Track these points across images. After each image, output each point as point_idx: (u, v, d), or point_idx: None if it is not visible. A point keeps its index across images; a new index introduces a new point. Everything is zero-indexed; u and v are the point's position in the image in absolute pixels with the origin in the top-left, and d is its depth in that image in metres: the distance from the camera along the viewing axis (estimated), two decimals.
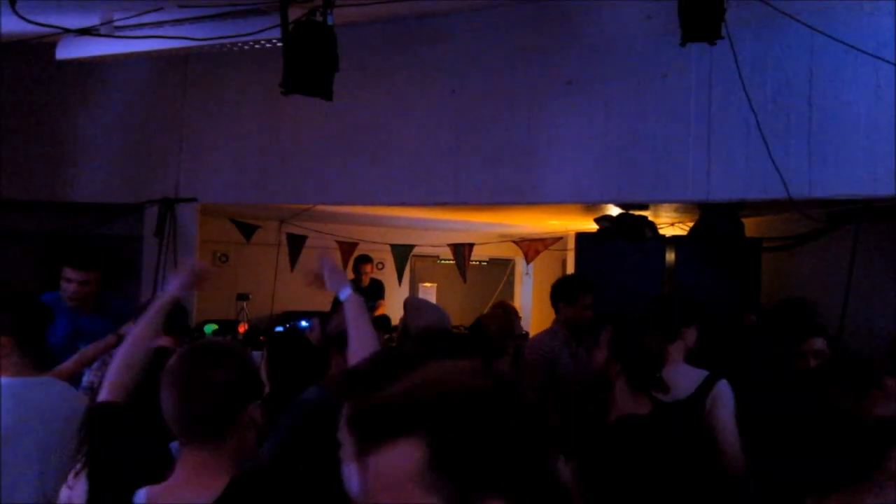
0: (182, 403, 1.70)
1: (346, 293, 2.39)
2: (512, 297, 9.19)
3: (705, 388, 2.96)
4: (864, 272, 4.80)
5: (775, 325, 4.69)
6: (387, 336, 6.24)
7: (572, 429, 2.74)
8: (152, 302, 2.43)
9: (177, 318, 2.91)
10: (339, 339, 2.66)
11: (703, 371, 3.04)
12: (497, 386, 1.06)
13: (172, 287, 2.42)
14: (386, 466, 1.01)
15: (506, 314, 5.05)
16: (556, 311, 4.25)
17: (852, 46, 4.06)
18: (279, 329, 6.41)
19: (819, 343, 3.42)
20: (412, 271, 8.85)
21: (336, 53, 3.32)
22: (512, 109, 5.03)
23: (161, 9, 3.45)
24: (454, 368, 1.11)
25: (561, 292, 4.21)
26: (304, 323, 6.54)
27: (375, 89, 5.34)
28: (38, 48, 4.81)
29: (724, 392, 2.95)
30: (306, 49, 3.18)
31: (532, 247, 6.60)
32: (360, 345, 2.23)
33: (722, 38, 4.03)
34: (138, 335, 2.22)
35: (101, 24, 3.63)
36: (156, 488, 1.67)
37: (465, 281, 7.23)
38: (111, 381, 2.07)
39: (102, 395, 2.05)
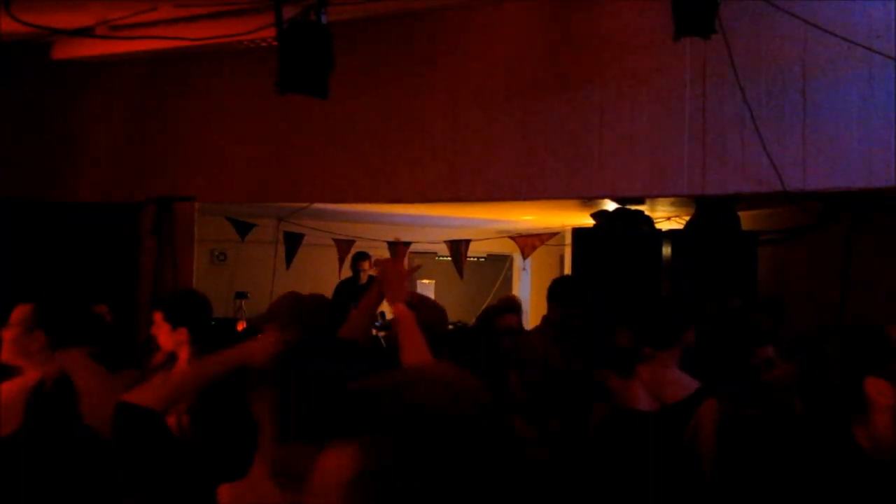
0: None
1: (398, 308, 2.38)
2: (510, 292, 9.21)
3: (694, 400, 2.89)
4: (861, 264, 4.82)
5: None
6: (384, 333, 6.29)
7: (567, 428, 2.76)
8: None
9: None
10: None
11: (694, 381, 2.94)
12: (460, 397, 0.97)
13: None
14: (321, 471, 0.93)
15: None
16: (549, 309, 4.24)
17: (845, 39, 4.07)
18: None
19: (768, 352, 3.26)
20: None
21: (331, 52, 3.33)
22: (507, 105, 5.04)
23: (155, 9, 3.46)
24: (430, 374, 1.05)
25: (554, 292, 4.21)
26: None
27: (372, 86, 5.34)
28: (35, 48, 4.82)
29: (711, 408, 2.86)
30: (301, 48, 3.19)
31: (528, 242, 6.61)
32: (413, 358, 2.22)
33: (715, 31, 4.04)
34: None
35: (97, 25, 3.63)
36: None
37: (462, 278, 7.25)
38: None
39: None
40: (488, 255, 9.01)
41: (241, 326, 6.67)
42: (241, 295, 7.16)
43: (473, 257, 8.71)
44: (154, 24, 3.60)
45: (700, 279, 5.12)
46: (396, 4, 4.28)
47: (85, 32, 3.76)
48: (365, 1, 3.63)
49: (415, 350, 2.24)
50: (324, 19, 3.25)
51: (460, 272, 7.04)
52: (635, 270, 5.22)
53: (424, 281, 8.93)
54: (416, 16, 5.17)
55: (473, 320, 4.84)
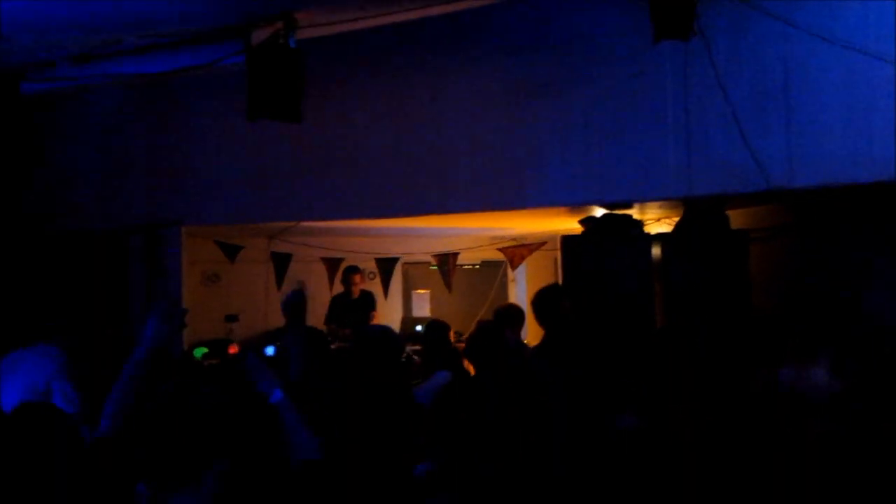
0: None
1: (277, 395, 2.30)
2: (506, 299, 9.15)
3: None
4: (847, 258, 4.78)
5: None
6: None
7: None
8: None
9: None
10: None
11: None
12: None
13: None
14: None
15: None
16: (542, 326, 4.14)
17: (824, 38, 4.04)
18: (270, 351, 6.32)
19: None
20: (405, 278, 8.82)
21: (302, 76, 3.29)
22: (491, 114, 5.01)
23: (120, 41, 3.42)
24: None
25: (546, 302, 4.14)
26: (269, 350, 6.30)
27: (351, 102, 5.31)
28: (7, 78, 4.77)
29: None
30: (270, 73, 3.15)
31: (517, 253, 6.57)
32: (301, 445, 2.18)
33: (695, 34, 4.01)
34: None
35: (62, 59, 3.60)
36: None
37: (449, 291, 7.21)
38: None
39: None
40: (483, 262, 8.95)
41: (232, 349, 6.63)
42: (231, 318, 7.11)
43: (468, 264, 8.65)
44: (120, 54, 3.55)
45: (692, 280, 5.08)
46: (374, 20, 4.23)
47: (50, 65, 3.72)
48: (337, 22, 3.58)
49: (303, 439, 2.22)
50: (292, 42, 3.21)
51: (448, 286, 6.99)
52: (626, 275, 5.18)
53: (420, 291, 8.88)
54: (395, 29, 5.13)
55: (473, 327, 4.79)
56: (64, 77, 4.35)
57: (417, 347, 7.10)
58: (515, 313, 4.89)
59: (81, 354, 4.44)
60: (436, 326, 5.13)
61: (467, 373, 4.68)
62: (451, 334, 5.79)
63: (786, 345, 3.44)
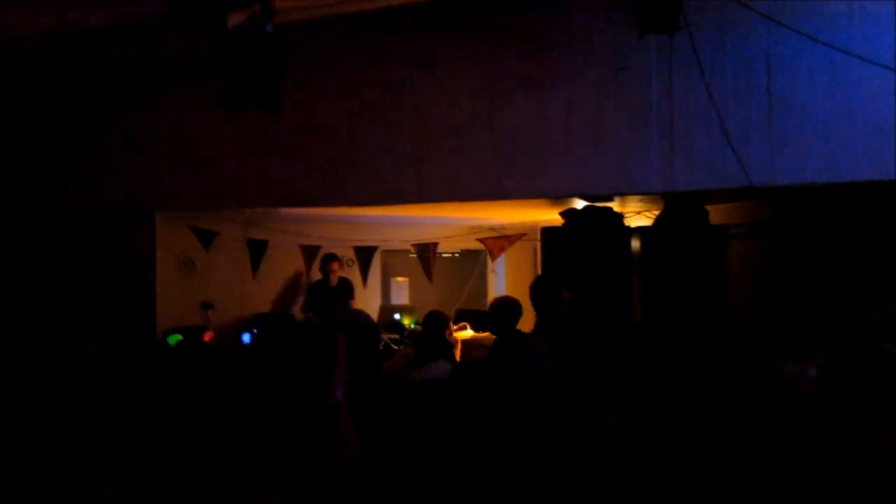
0: None
1: (338, 395, 2.32)
2: (485, 288, 9.14)
3: None
4: (826, 255, 4.81)
5: None
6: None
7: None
8: None
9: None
10: None
11: None
12: None
13: None
14: None
15: None
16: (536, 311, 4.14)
17: (807, 35, 4.02)
18: (246, 338, 6.24)
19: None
20: (384, 266, 8.75)
21: (280, 62, 3.20)
22: (471, 105, 4.94)
23: (87, 20, 3.29)
24: None
25: (539, 292, 4.11)
26: (245, 337, 6.22)
27: (329, 90, 5.21)
28: None
29: None
30: (247, 61, 3.06)
31: (497, 244, 6.53)
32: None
33: (679, 28, 3.97)
34: None
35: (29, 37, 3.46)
36: None
37: (430, 280, 7.15)
38: None
39: None
40: (462, 251, 8.91)
41: (208, 336, 6.54)
42: (206, 305, 7.00)
43: (448, 253, 8.61)
44: (91, 32, 3.42)
45: (670, 274, 5.09)
46: (353, 6, 4.14)
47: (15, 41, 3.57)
48: (315, 7, 3.48)
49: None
50: (269, 27, 3.11)
51: (429, 276, 6.94)
52: (605, 268, 5.17)
53: (399, 279, 8.83)
54: (375, 16, 5.03)
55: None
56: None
57: (395, 336, 7.06)
58: (515, 307, 4.86)
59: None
60: (436, 317, 5.18)
61: (460, 363, 4.69)
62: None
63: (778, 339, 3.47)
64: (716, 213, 5.40)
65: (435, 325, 4.97)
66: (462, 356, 5.99)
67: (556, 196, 5.10)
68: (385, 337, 6.94)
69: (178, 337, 5.79)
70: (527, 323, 4.05)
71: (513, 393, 2.79)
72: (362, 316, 5.45)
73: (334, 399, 2.68)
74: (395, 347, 6.73)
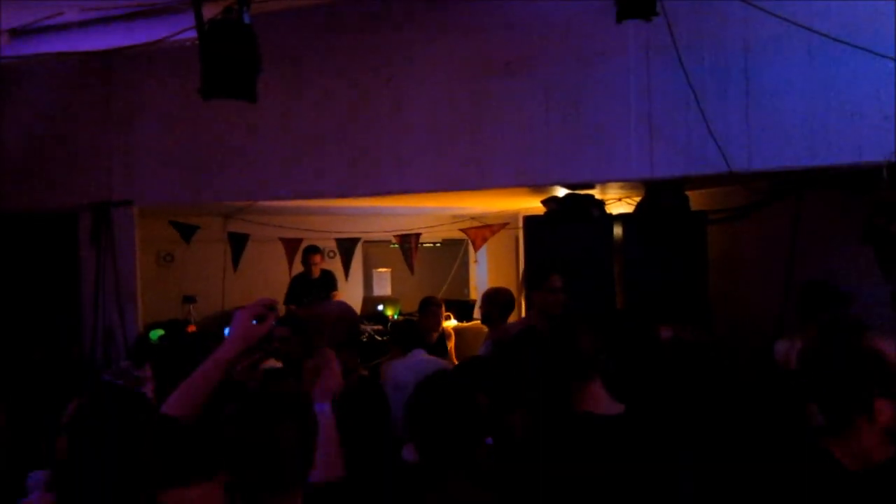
0: None
1: (324, 407, 2.25)
2: (467, 277, 9.15)
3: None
4: (807, 242, 4.86)
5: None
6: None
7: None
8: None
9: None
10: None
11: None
12: None
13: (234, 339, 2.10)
14: None
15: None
16: (528, 301, 4.18)
17: (785, 19, 4.04)
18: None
19: (666, 332, 3.43)
20: (365, 258, 8.74)
21: (257, 53, 3.16)
22: (451, 94, 4.93)
23: (61, 14, 3.23)
24: None
25: (527, 280, 4.14)
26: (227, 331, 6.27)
27: (309, 80, 5.17)
28: None
29: None
30: (224, 50, 3.02)
31: (479, 234, 6.54)
32: (326, 463, 2.12)
33: (657, 14, 3.97)
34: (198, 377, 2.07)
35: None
36: None
37: (412, 272, 7.16)
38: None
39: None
40: (444, 241, 8.92)
41: (191, 329, 6.49)
42: (189, 299, 6.96)
43: (429, 243, 8.61)
44: (64, 27, 3.36)
45: (651, 261, 5.12)
46: None
47: None
48: None
49: (331, 457, 2.18)
50: (247, 18, 3.08)
51: (411, 267, 6.93)
52: (587, 256, 5.19)
53: (380, 269, 8.81)
54: (353, 4, 5.00)
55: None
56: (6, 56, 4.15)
57: (379, 327, 7.06)
58: (507, 298, 4.86)
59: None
60: (426, 302, 5.24)
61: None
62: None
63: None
64: (694, 199, 5.45)
65: (422, 310, 4.99)
66: (456, 347, 5.99)
67: (535, 185, 5.10)
68: (368, 328, 6.93)
69: (160, 331, 5.74)
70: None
71: (516, 386, 2.78)
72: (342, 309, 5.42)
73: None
74: (379, 339, 6.73)
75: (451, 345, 5.91)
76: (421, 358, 4.31)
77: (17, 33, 3.45)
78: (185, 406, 1.98)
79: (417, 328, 4.80)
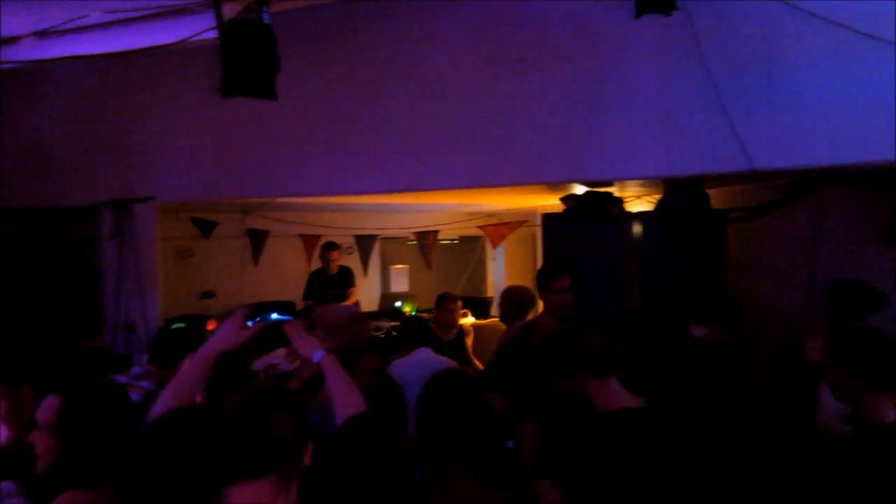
0: None
1: (318, 356, 2.33)
2: (484, 274, 9.15)
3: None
4: (829, 239, 4.80)
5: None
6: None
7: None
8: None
9: None
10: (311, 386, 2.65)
11: None
12: None
13: (218, 339, 2.33)
14: None
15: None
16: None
17: (809, 13, 3.98)
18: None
19: (699, 330, 3.41)
20: (382, 254, 8.76)
21: (275, 52, 3.18)
22: (469, 90, 4.91)
23: (85, 16, 3.27)
24: None
25: (537, 282, 4.12)
26: (274, 315, 6.45)
27: (328, 77, 5.18)
28: None
29: None
30: (244, 49, 3.04)
31: (497, 231, 6.53)
32: (344, 404, 2.20)
33: (677, 9, 3.95)
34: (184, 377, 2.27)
35: (26, 35, 3.44)
36: None
37: (430, 268, 7.15)
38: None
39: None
40: (461, 238, 8.92)
41: (210, 325, 6.55)
42: (208, 294, 7.02)
43: (446, 240, 8.61)
44: (86, 28, 3.40)
45: (671, 259, 5.08)
46: None
47: (13, 41, 3.55)
48: None
49: (343, 395, 2.23)
50: (266, 18, 3.09)
51: (428, 264, 6.93)
52: (606, 254, 5.16)
53: (397, 266, 8.84)
54: (371, 2, 5.00)
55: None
56: (26, 60, 4.20)
57: (396, 324, 7.08)
58: (527, 297, 4.84)
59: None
60: (448, 298, 5.21)
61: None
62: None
63: None
64: (714, 196, 5.40)
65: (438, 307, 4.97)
66: (473, 344, 5.96)
67: (552, 181, 5.08)
68: (386, 324, 6.95)
69: (181, 325, 5.80)
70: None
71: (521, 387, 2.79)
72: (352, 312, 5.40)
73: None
74: (395, 335, 6.74)
75: (469, 341, 5.90)
76: (424, 357, 4.27)
77: (42, 35, 3.49)
78: (175, 403, 2.13)
79: (425, 326, 4.77)
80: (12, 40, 3.55)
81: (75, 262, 5.92)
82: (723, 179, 5.06)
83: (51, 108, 5.67)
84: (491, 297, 7.98)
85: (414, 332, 4.52)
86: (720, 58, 4.33)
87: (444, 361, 4.25)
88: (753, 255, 5.54)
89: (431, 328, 5.06)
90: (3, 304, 5.47)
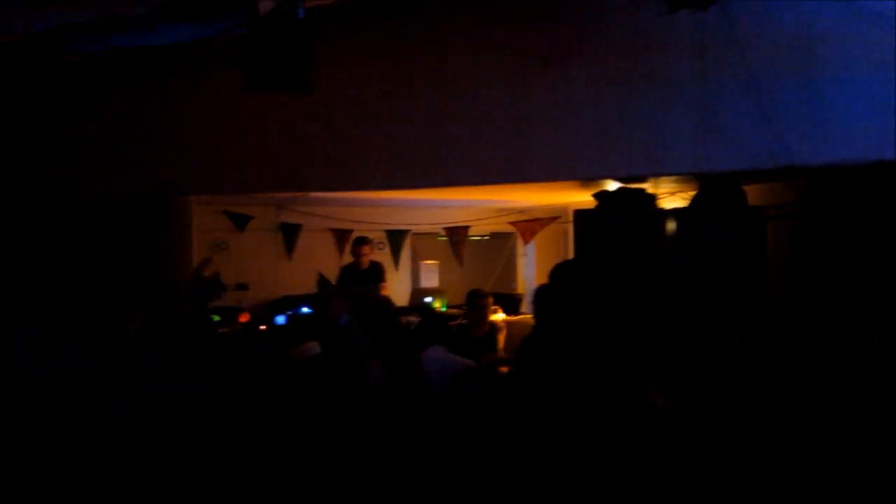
0: None
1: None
2: (515, 271, 9.11)
3: None
4: (869, 236, 4.69)
5: None
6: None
7: None
8: None
9: None
10: None
11: None
12: None
13: None
14: None
15: None
16: None
17: (849, 7, 3.89)
18: (280, 320, 6.36)
19: None
20: (412, 250, 8.78)
21: (312, 46, 3.19)
22: (500, 85, 4.89)
23: (122, 12, 3.32)
24: None
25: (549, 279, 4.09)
26: (304, 309, 6.52)
27: (356, 73, 5.20)
28: (28, 50, 4.68)
29: None
30: (277, 44, 3.06)
31: (529, 227, 6.49)
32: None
33: (713, 3, 3.89)
34: None
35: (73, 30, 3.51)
36: None
37: (461, 264, 7.14)
38: None
39: None
40: (492, 234, 8.89)
41: (244, 317, 6.64)
42: (241, 287, 7.12)
43: (477, 236, 8.59)
44: (125, 23, 3.46)
45: (706, 258, 5.00)
46: None
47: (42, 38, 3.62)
48: None
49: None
50: (301, 13, 3.11)
51: (459, 259, 6.92)
52: (640, 250, 5.10)
53: (428, 262, 8.85)
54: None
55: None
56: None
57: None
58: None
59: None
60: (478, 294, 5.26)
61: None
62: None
63: None
64: (751, 193, 5.30)
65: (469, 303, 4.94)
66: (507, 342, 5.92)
67: (585, 177, 5.04)
68: (415, 320, 6.96)
69: (216, 317, 5.90)
70: None
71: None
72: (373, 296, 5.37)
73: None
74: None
75: (501, 337, 5.88)
76: (435, 355, 4.14)
77: (77, 30, 3.56)
78: None
79: (444, 324, 4.72)
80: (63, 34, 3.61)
81: (113, 255, 6.03)
82: (758, 175, 4.97)
83: (86, 104, 5.77)
84: (521, 294, 7.94)
85: (430, 330, 4.48)
86: (758, 52, 4.25)
87: (457, 360, 4.19)
88: (790, 254, 5.43)
89: (457, 325, 5.04)
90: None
